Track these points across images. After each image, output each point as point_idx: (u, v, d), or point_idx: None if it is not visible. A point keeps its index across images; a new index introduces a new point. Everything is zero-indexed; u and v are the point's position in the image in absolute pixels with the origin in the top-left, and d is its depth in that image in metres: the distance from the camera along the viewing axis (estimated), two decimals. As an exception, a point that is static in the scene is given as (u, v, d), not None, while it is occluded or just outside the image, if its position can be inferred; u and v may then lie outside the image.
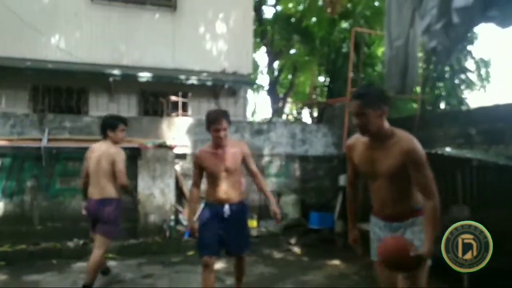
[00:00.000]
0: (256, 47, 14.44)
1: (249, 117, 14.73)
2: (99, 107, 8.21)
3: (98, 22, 8.33)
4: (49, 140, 6.24)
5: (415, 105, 8.16)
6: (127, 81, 8.15)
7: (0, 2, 7.74)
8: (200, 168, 3.48)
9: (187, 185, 6.84)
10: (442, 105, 7.50)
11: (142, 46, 8.56)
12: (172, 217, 6.44)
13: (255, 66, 15.24)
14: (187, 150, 6.95)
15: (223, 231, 3.38)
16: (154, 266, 5.23)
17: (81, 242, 5.84)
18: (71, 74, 7.77)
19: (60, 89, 8.05)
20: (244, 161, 3.49)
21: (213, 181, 3.45)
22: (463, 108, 7.02)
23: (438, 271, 4.59)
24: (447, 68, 7.31)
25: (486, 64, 7.93)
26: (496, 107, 5.29)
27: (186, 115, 8.50)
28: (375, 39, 10.26)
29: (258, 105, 25.85)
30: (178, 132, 6.98)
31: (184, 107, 8.80)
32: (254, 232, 6.62)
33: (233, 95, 9.35)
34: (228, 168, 3.38)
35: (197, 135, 7.04)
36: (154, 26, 8.70)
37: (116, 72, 7.92)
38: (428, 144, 5.43)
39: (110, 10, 8.47)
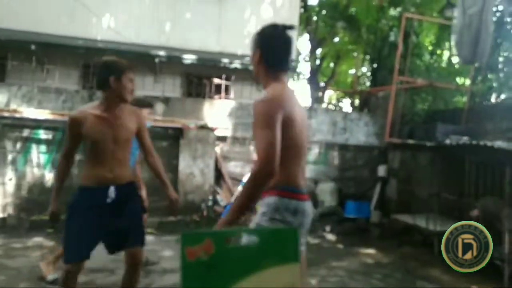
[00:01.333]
0: (299, 34, 14.27)
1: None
2: (145, 87, 8.50)
3: (147, 4, 8.56)
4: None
5: (463, 98, 7.81)
6: (172, 62, 8.36)
7: (57, -17, 8.14)
8: (78, 136, 2.54)
9: (226, 167, 6.99)
10: (493, 98, 7.13)
11: (188, 28, 8.72)
12: (210, 197, 6.62)
13: (297, 53, 15.08)
14: (228, 133, 7.07)
15: (106, 224, 2.51)
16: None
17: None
18: (119, 53, 7.98)
19: (109, 68, 8.38)
20: (138, 133, 2.71)
21: (97, 155, 2.55)
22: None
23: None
24: (501, 59, 6.92)
25: None
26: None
27: (228, 98, 8.62)
28: (424, 28, 9.85)
29: (297, 93, 25.52)
30: (219, 114, 7.11)
31: (227, 90, 8.93)
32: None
33: (275, 81, 9.35)
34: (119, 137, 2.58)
35: (238, 118, 7.14)
36: (200, 9, 8.82)
37: (162, 53, 8.14)
38: (478, 137, 5.23)
39: (159, -7, 8.67)
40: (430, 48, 10.31)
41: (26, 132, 6.18)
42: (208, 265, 1.10)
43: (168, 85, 8.53)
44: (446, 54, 10.55)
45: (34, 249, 4.73)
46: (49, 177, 6.22)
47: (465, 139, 5.17)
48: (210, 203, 6.55)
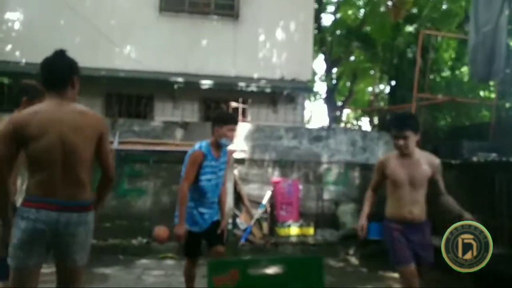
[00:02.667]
0: (314, 55, 14.39)
1: (306, 124, 14.65)
2: (165, 112, 8.65)
3: (165, 33, 8.81)
4: (119, 143, 6.67)
5: (488, 113, 7.61)
6: (190, 88, 8.51)
7: (81, 16, 8.49)
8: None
9: (244, 189, 6.95)
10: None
11: (204, 54, 8.90)
12: (230, 220, 6.56)
13: (313, 73, 15.16)
14: (246, 155, 7.07)
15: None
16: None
17: (145, 240, 6.15)
18: (140, 81, 8.28)
19: (131, 96, 8.61)
20: None
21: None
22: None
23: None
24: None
25: None
26: None
27: (245, 121, 8.67)
28: (442, 43, 9.78)
29: (314, 113, 25.58)
30: (237, 137, 7.12)
31: (244, 113, 8.99)
32: (310, 240, 6.55)
33: (291, 102, 9.37)
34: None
35: (255, 141, 7.14)
36: (216, 35, 9.02)
37: (180, 79, 8.31)
38: (507, 153, 5.04)
39: (177, 21, 8.92)
40: (450, 63, 10.20)
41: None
42: (236, 292, 1.09)
43: (187, 111, 8.66)
44: (467, 68, 10.40)
45: None
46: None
47: (493, 155, 5.00)
48: (229, 226, 6.49)
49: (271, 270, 1.19)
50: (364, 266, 5.66)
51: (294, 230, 6.60)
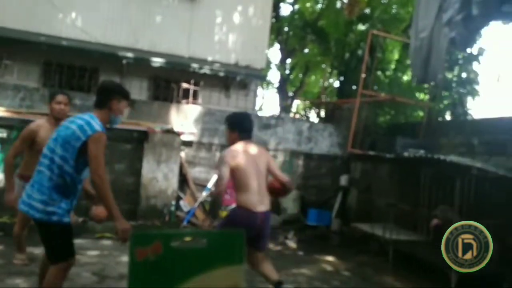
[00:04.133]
0: (270, 44, 14.49)
1: (257, 112, 14.80)
2: (111, 88, 8.32)
3: (116, 3, 8.42)
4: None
5: (421, 113, 8.19)
6: (140, 65, 8.25)
7: (23, -24, 7.86)
8: None
9: (191, 172, 6.95)
10: (448, 115, 7.56)
11: (158, 31, 8.65)
12: (173, 202, 6.55)
13: (268, 62, 15.29)
14: (194, 138, 7.05)
15: None
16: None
17: (81, 219, 5.95)
18: (84, 53, 7.87)
19: (73, 67, 8.17)
20: None
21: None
22: (468, 118, 7.08)
23: (426, 271, 4.68)
24: (454, 78, 7.37)
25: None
26: (500, 119, 5.33)
27: (196, 103, 8.60)
28: (390, 44, 10.28)
29: (266, 101, 25.85)
30: (186, 119, 7.08)
31: (195, 95, 8.91)
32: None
33: (244, 88, 9.43)
34: None
35: (205, 124, 7.13)
36: (172, 13, 8.78)
37: (130, 55, 8.03)
38: (433, 150, 5.50)
39: (130, -7, 8.56)
40: (393, 64, 10.76)
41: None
42: (156, 265, 1.12)
43: (135, 88, 8.39)
44: (407, 70, 11.03)
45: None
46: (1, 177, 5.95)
47: (421, 152, 5.43)
48: (172, 208, 6.48)
49: (194, 244, 1.24)
50: (301, 249, 5.93)
51: (236, 213, 6.72)
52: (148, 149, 6.54)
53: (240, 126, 3.40)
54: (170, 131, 6.68)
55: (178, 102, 8.42)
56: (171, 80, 8.69)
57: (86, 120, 2.60)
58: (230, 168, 3.18)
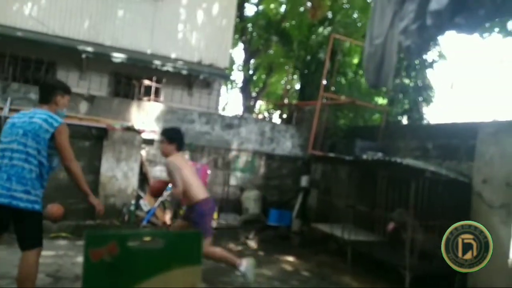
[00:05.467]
0: (234, 43, 14.49)
1: (221, 111, 14.76)
2: (69, 83, 7.89)
3: (76, -5, 8.12)
4: (10, 110, 6.02)
5: (379, 116, 8.50)
6: (100, 60, 8.00)
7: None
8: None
9: (151, 171, 6.81)
10: (405, 119, 7.90)
11: (120, 26, 8.42)
12: (133, 201, 6.39)
13: (231, 62, 15.29)
14: (155, 136, 6.91)
15: None
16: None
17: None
18: (41, 45, 7.53)
19: (29, 59, 7.77)
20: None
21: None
22: (423, 123, 7.43)
23: (381, 272, 4.88)
24: (411, 84, 7.72)
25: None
26: (453, 125, 5.63)
27: (158, 101, 8.45)
28: (351, 49, 10.58)
29: (229, 101, 25.84)
30: (148, 117, 6.93)
31: (157, 92, 8.75)
32: (213, 224, 6.69)
33: (207, 87, 9.38)
34: None
35: (167, 122, 7.01)
36: (135, 7, 8.58)
37: (89, 49, 7.76)
38: (390, 153, 5.72)
39: (90, -15, 8.27)
40: (354, 68, 11.08)
41: None
42: (112, 266, 1.09)
43: (95, 83, 8.13)
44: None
45: None
46: None
47: (379, 155, 5.62)
48: (132, 207, 6.32)
49: (151, 244, 1.23)
50: (262, 249, 5.98)
51: (198, 213, 6.65)
52: (107, 147, 6.34)
53: (180, 140, 3.97)
54: (130, 129, 6.52)
55: (140, 99, 8.24)
56: (133, 76, 8.49)
57: (47, 114, 2.89)
58: (181, 173, 3.79)
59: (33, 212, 2.75)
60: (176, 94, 8.80)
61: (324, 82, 7.26)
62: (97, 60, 7.98)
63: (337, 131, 7.68)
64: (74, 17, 8.04)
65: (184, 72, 8.60)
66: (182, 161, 3.97)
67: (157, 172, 6.90)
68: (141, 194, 6.67)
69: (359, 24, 10.61)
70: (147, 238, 1.28)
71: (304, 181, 7.44)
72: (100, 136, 6.32)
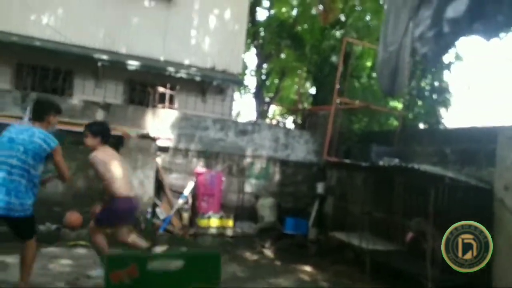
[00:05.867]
0: (246, 48, 14.51)
1: (234, 118, 14.79)
2: (85, 91, 8.11)
3: (92, 4, 8.21)
4: (30, 119, 6.11)
5: (395, 121, 8.39)
6: (115, 67, 8.07)
7: (-9, -27, 7.55)
8: None
9: (167, 178, 6.84)
10: (421, 124, 7.77)
11: (134, 34, 8.49)
12: (149, 209, 6.42)
13: (244, 66, 15.30)
14: (170, 143, 6.94)
15: None
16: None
17: (54, 227, 5.76)
18: (58, 54, 7.63)
19: (47, 68, 7.90)
20: None
21: None
22: (441, 127, 7.29)
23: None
24: (428, 87, 7.59)
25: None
26: (472, 129, 5.51)
27: (172, 108, 8.49)
28: (364, 52, 10.48)
29: (243, 107, 25.85)
30: (162, 124, 6.97)
31: (171, 99, 8.80)
32: (229, 232, 6.68)
33: (221, 93, 9.39)
34: None
35: (181, 129, 7.04)
36: (148, 15, 8.64)
37: (105, 57, 7.84)
38: (407, 159, 5.62)
39: (105, -6, 8.36)
40: (368, 71, 10.97)
41: None
42: (131, 288, 1.09)
43: (110, 91, 8.21)
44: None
45: None
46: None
47: (396, 161, 5.53)
48: (148, 215, 6.35)
49: (170, 266, 1.22)
50: (278, 259, 5.92)
51: (214, 221, 6.67)
52: (123, 155, 6.38)
53: (105, 133, 4.06)
54: (146, 136, 6.56)
55: (154, 106, 8.30)
56: (147, 83, 8.55)
57: (44, 134, 3.36)
58: (105, 167, 3.89)
59: (26, 217, 3.28)
60: (190, 100, 8.84)
61: (338, 86, 7.18)
62: (113, 68, 8.06)
63: (352, 136, 7.59)
64: (90, 25, 8.14)
65: (198, 78, 8.62)
66: (106, 154, 4.01)
67: (173, 179, 6.93)
68: (157, 202, 6.70)
69: (371, 26, 10.50)
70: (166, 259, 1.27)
71: (320, 187, 7.37)
72: (116, 144, 6.36)
